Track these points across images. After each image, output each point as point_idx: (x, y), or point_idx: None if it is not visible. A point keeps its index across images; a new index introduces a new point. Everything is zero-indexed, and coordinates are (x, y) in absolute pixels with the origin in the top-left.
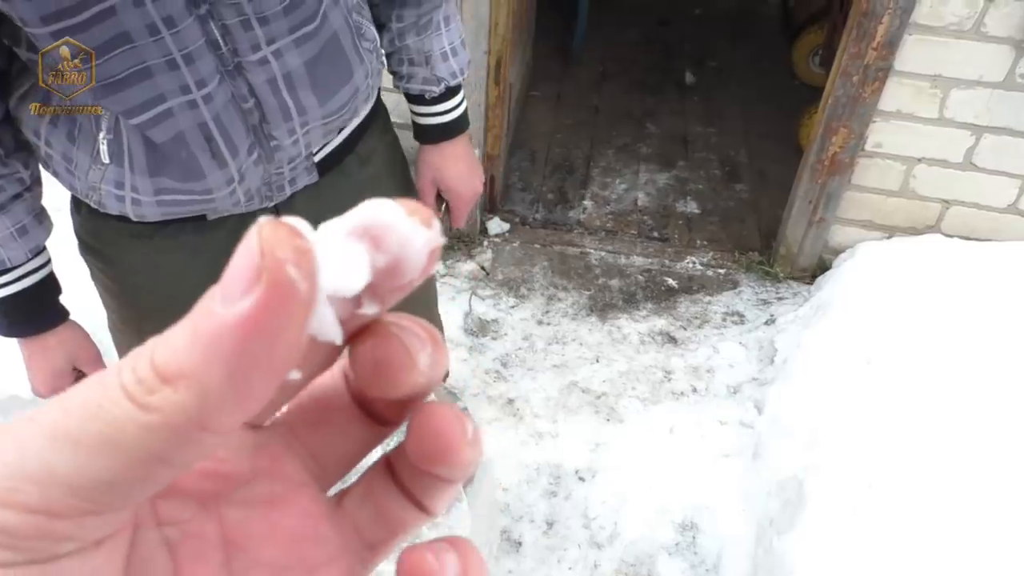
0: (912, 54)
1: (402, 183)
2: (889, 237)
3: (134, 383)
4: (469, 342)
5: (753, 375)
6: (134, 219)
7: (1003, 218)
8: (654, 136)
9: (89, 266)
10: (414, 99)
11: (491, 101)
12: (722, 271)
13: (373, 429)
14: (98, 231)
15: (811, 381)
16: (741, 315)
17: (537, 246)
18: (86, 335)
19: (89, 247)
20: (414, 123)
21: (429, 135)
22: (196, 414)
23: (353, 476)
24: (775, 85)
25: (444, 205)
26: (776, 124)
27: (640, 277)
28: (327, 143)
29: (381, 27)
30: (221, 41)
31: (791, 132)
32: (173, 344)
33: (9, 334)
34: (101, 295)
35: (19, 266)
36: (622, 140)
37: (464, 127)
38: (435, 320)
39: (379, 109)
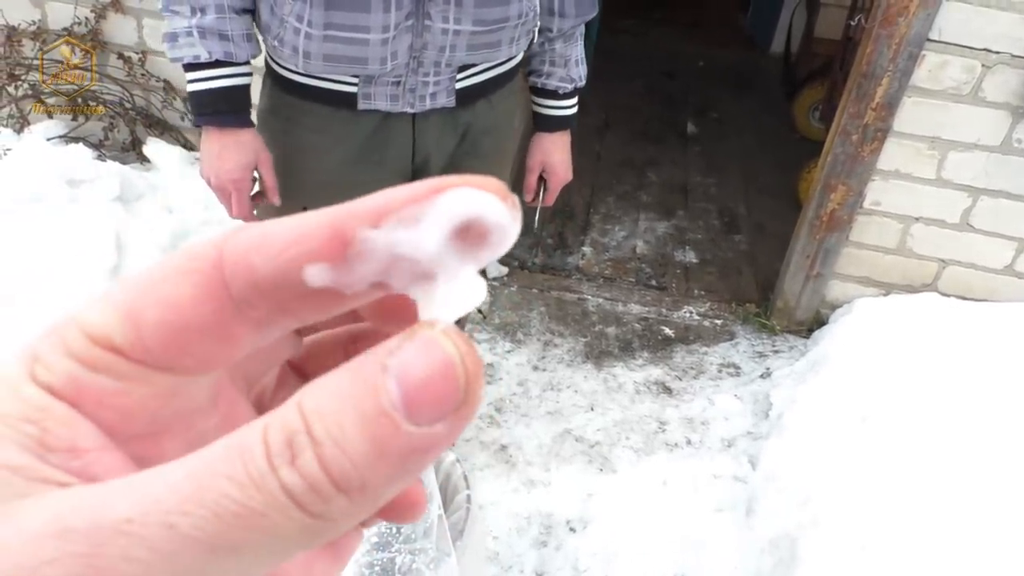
0: (911, 116)
1: (507, 139)
2: (886, 294)
3: (305, 491)
4: None
5: (748, 429)
6: (300, 62)
7: (999, 279)
8: (654, 185)
9: (268, 144)
10: (547, 94)
11: None
12: (719, 322)
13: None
14: (275, 107)
15: (806, 438)
16: (737, 367)
17: (535, 291)
18: (264, 143)
19: (271, 110)
20: (537, 114)
21: (551, 124)
22: (362, 518)
23: None
24: (775, 138)
25: (543, 185)
26: (775, 177)
27: (637, 325)
28: (469, 71)
29: (539, 31)
30: None
31: (790, 185)
32: (350, 451)
33: (213, 123)
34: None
35: (242, 64)
36: (623, 188)
37: (574, 124)
38: None
39: (517, 73)
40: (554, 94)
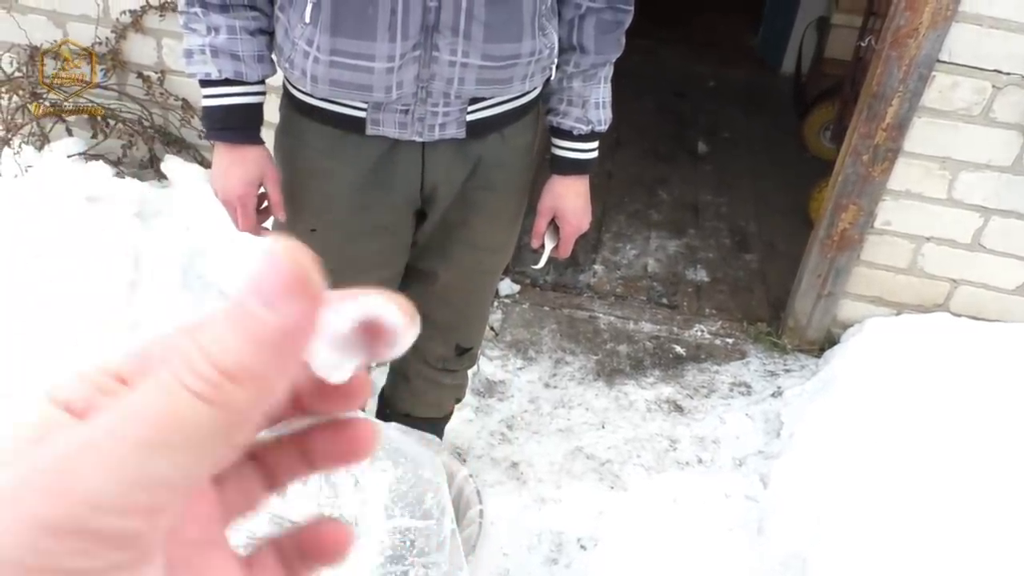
0: (921, 136)
1: (521, 175)
2: (897, 314)
3: (205, 386)
4: (476, 402)
5: (759, 448)
6: (308, 85)
7: (1011, 299)
8: (665, 203)
9: (279, 163)
10: (562, 134)
11: None
12: (730, 340)
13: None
14: (288, 127)
15: (817, 457)
16: (748, 386)
17: (546, 308)
18: (272, 161)
19: (284, 130)
20: (552, 155)
21: (564, 166)
22: (256, 406)
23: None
24: (786, 157)
25: (555, 232)
26: (786, 196)
27: (648, 343)
28: (480, 104)
29: (557, 67)
30: None
31: (801, 204)
32: (229, 346)
33: (221, 138)
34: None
35: (252, 83)
36: (634, 206)
37: (591, 168)
38: (480, 321)
39: (533, 108)
40: (569, 135)
